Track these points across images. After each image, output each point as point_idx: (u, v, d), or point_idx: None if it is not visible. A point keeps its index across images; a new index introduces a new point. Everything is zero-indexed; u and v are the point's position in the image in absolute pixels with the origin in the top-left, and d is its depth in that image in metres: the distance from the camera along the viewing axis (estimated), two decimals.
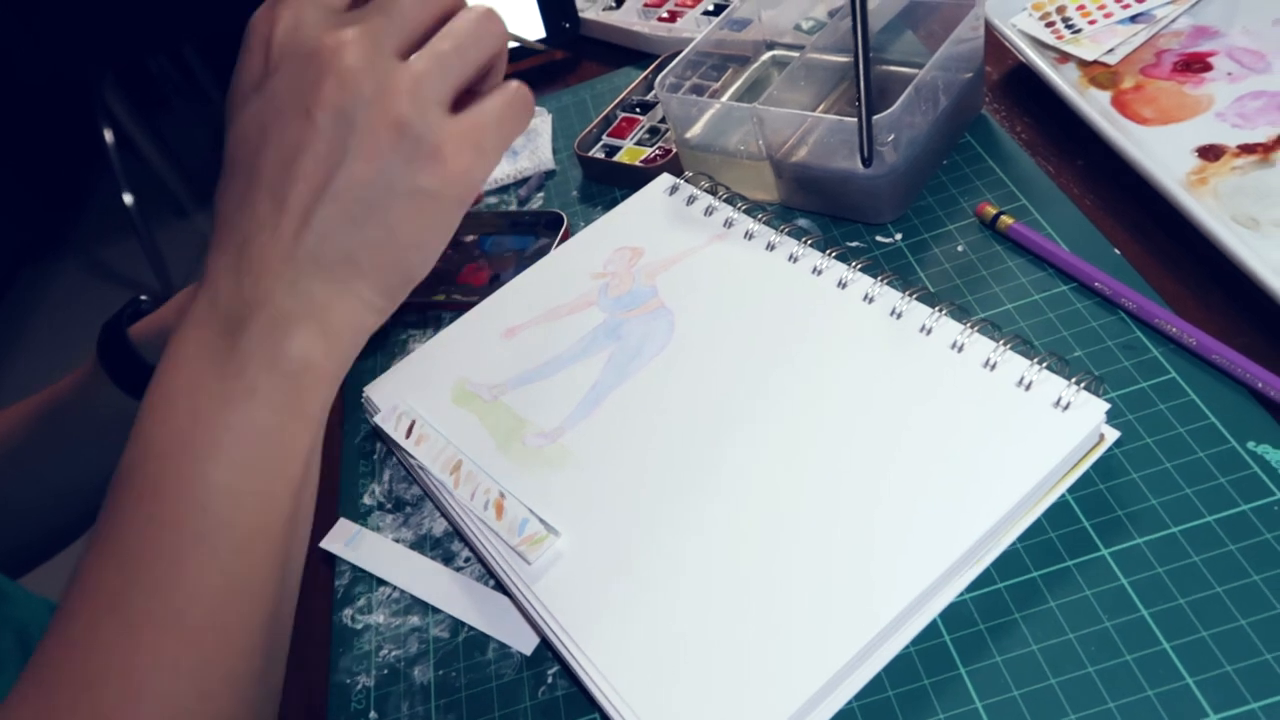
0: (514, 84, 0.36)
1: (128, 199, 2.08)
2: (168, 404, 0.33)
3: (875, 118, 0.44)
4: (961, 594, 0.34)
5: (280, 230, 0.33)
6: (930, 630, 0.33)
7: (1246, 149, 0.44)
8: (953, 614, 0.34)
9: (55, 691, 0.30)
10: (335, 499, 0.46)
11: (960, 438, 0.36)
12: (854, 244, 0.48)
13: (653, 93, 0.61)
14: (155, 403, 0.33)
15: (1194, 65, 0.49)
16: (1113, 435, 0.36)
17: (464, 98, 0.34)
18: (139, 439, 0.33)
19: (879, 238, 0.48)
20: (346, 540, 0.44)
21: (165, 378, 0.33)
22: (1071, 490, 0.35)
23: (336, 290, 0.33)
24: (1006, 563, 0.34)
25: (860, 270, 0.42)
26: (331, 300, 0.33)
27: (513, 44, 0.38)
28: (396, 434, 0.44)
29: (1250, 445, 0.35)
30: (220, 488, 0.32)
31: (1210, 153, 0.44)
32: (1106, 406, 0.34)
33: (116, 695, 0.30)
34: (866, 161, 0.43)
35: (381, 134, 0.32)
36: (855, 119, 0.44)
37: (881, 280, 0.42)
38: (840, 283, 0.43)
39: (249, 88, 0.34)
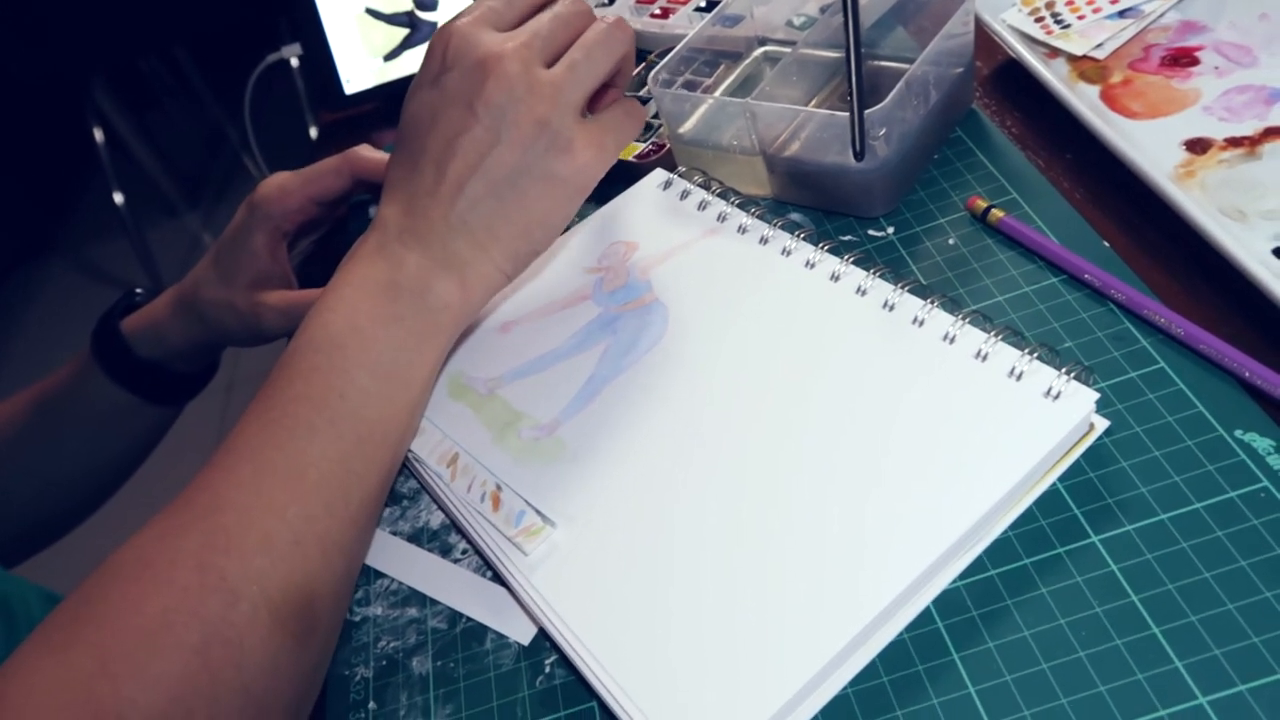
0: (637, 111, 0.45)
1: (118, 199, 2.07)
2: (333, 311, 0.40)
3: (867, 112, 0.44)
4: (954, 581, 0.34)
5: (440, 195, 0.41)
6: (924, 617, 0.34)
7: (1233, 142, 0.44)
8: (946, 601, 0.34)
9: (184, 510, 0.36)
10: None
11: (952, 427, 0.36)
12: (846, 238, 0.49)
13: (646, 89, 0.62)
14: (323, 310, 0.40)
15: (1181, 60, 0.49)
16: (1103, 424, 0.37)
17: (598, 95, 0.44)
18: (305, 333, 0.40)
19: (871, 231, 0.48)
20: None
21: (334, 293, 0.41)
22: (1062, 478, 0.36)
23: (477, 251, 0.41)
24: (998, 550, 0.35)
25: (852, 264, 0.43)
26: (472, 259, 0.41)
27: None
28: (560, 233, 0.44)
29: (1238, 433, 0.35)
30: (359, 385, 0.39)
31: (1197, 146, 0.45)
32: (1096, 396, 0.35)
33: (231, 523, 0.35)
34: (859, 155, 0.44)
35: (527, 127, 0.40)
36: (847, 114, 0.44)
37: (874, 273, 0.42)
38: (833, 276, 0.43)
39: (427, 81, 0.42)
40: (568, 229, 0.52)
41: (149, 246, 2.17)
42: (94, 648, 0.32)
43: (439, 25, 0.43)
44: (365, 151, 0.55)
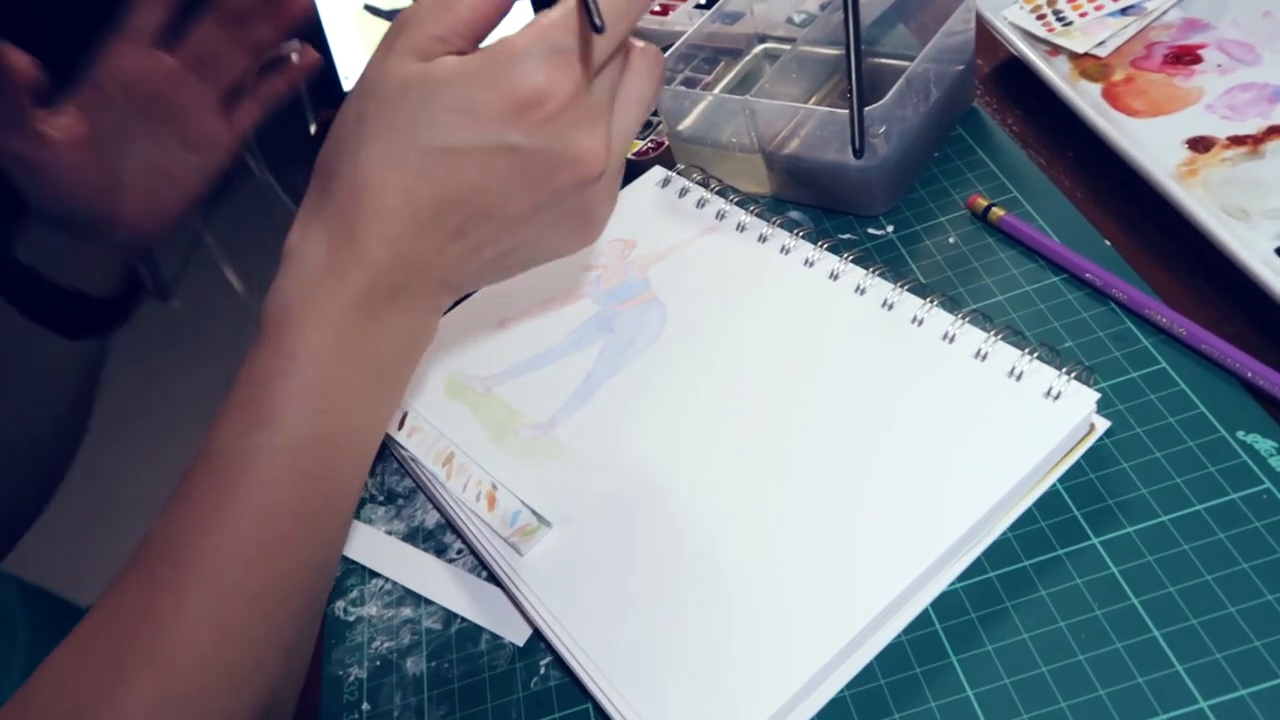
0: (640, 96, 0.35)
1: None
2: (323, 398, 0.33)
3: (867, 110, 0.44)
4: (953, 583, 0.34)
5: (450, 257, 0.34)
6: (922, 619, 0.33)
7: (1236, 140, 0.44)
8: (944, 603, 0.34)
9: (126, 649, 0.31)
10: None
11: (952, 428, 0.36)
12: (846, 236, 0.48)
13: None
14: (308, 396, 0.33)
15: (1184, 57, 0.49)
16: (1103, 425, 0.36)
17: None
18: (287, 423, 0.33)
19: (871, 230, 0.48)
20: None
21: (318, 368, 0.33)
22: (1062, 480, 0.36)
23: (452, 296, 0.36)
24: (997, 552, 0.34)
25: (852, 262, 0.43)
26: (446, 303, 0.36)
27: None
28: (389, 426, 0.44)
29: (1240, 434, 0.35)
30: (343, 479, 0.34)
31: (1200, 144, 0.44)
32: (1097, 396, 0.35)
33: (191, 664, 0.31)
34: (858, 153, 0.43)
35: (574, 215, 0.34)
36: (846, 111, 0.44)
37: (873, 272, 0.42)
38: (832, 274, 0.43)
39: (500, 131, 0.32)
40: None
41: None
42: None
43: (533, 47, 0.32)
44: None
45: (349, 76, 0.72)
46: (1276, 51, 0.47)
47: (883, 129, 0.45)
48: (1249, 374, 0.36)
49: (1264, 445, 0.34)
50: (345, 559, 0.43)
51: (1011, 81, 0.54)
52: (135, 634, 0.31)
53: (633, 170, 0.54)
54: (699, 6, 0.67)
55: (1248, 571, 0.31)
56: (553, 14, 0.32)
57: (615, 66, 0.34)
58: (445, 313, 0.38)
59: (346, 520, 0.35)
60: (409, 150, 0.33)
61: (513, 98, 0.31)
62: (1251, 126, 0.44)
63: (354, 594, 0.42)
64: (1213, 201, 0.42)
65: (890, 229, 0.48)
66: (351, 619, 0.41)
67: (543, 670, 0.36)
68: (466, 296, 0.50)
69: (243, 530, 0.31)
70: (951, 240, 0.46)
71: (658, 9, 0.68)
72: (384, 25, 0.72)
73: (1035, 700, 0.31)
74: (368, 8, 0.72)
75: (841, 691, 0.33)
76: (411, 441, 0.43)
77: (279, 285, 0.35)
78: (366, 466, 0.35)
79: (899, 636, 0.33)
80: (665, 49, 0.55)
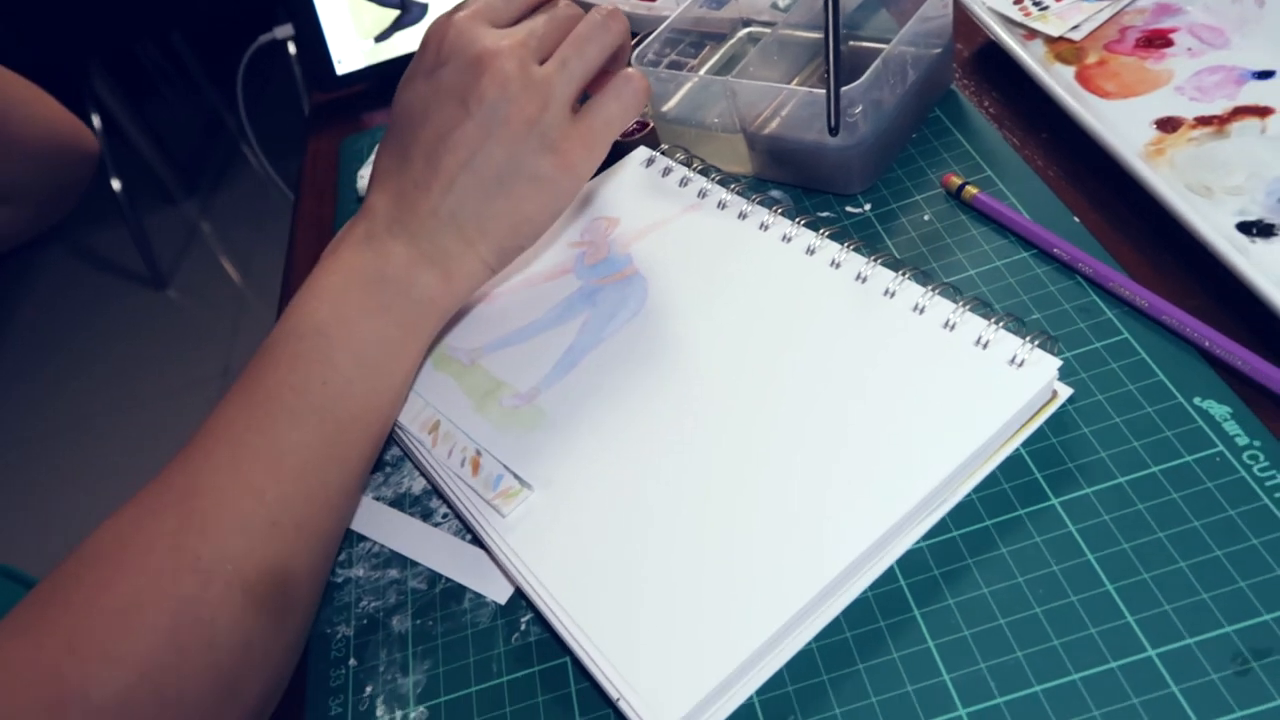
0: (629, 87, 0.44)
1: (116, 185, 2.08)
2: (318, 299, 0.40)
3: (843, 89, 0.45)
4: (918, 542, 0.35)
5: (429, 188, 0.41)
6: (887, 575, 0.35)
7: (1203, 121, 0.45)
8: (909, 560, 0.35)
9: (161, 492, 0.36)
10: None
11: (920, 394, 0.37)
12: (824, 214, 0.49)
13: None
14: (309, 298, 0.41)
15: (1156, 41, 0.50)
16: (1066, 392, 0.38)
17: (596, 79, 0.44)
18: (289, 319, 0.40)
19: (849, 208, 0.49)
20: None
21: (320, 280, 0.41)
22: (1025, 444, 0.37)
23: (463, 246, 0.42)
24: (961, 512, 0.36)
25: (828, 238, 0.44)
26: (458, 252, 0.42)
27: None
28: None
29: (1196, 400, 0.36)
30: (342, 373, 0.39)
31: (1168, 125, 0.45)
32: (1059, 363, 0.36)
33: (208, 505, 0.35)
34: (833, 131, 0.44)
35: (518, 126, 0.41)
36: (824, 91, 0.45)
37: (848, 247, 0.43)
38: (809, 249, 0.44)
39: (421, 72, 0.42)
40: None
41: (147, 233, 2.18)
42: (62, 629, 0.32)
43: (432, 12, 0.44)
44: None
45: (341, 60, 0.73)
46: (1245, 35, 0.48)
47: (859, 109, 0.46)
48: (1207, 343, 0.37)
49: (1218, 410, 0.36)
50: None
51: (990, 65, 0.55)
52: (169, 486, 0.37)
53: (618, 151, 0.55)
54: None
55: (1198, 529, 0.33)
56: None
57: None
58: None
59: (351, 414, 0.39)
60: (388, 130, 0.44)
61: (422, 47, 0.43)
62: (1218, 107, 0.45)
63: (342, 556, 0.43)
64: (1178, 180, 0.43)
65: (868, 207, 0.49)
66: (339, 580, 0.42)
67: (523, 627, 0.38)
68: None
69: (255, 399, 0.38)
70: (926, 218, 0.47)
71: None
72: (376, 10, 0.73)
73: (992, 650, 0.32)
74: None
75: (809, 644, 0.34)
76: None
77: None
78: (370, 369, 0.40)
79: (865, 592, 0.35)
80: (649, 34, 0.56)
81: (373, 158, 0.49)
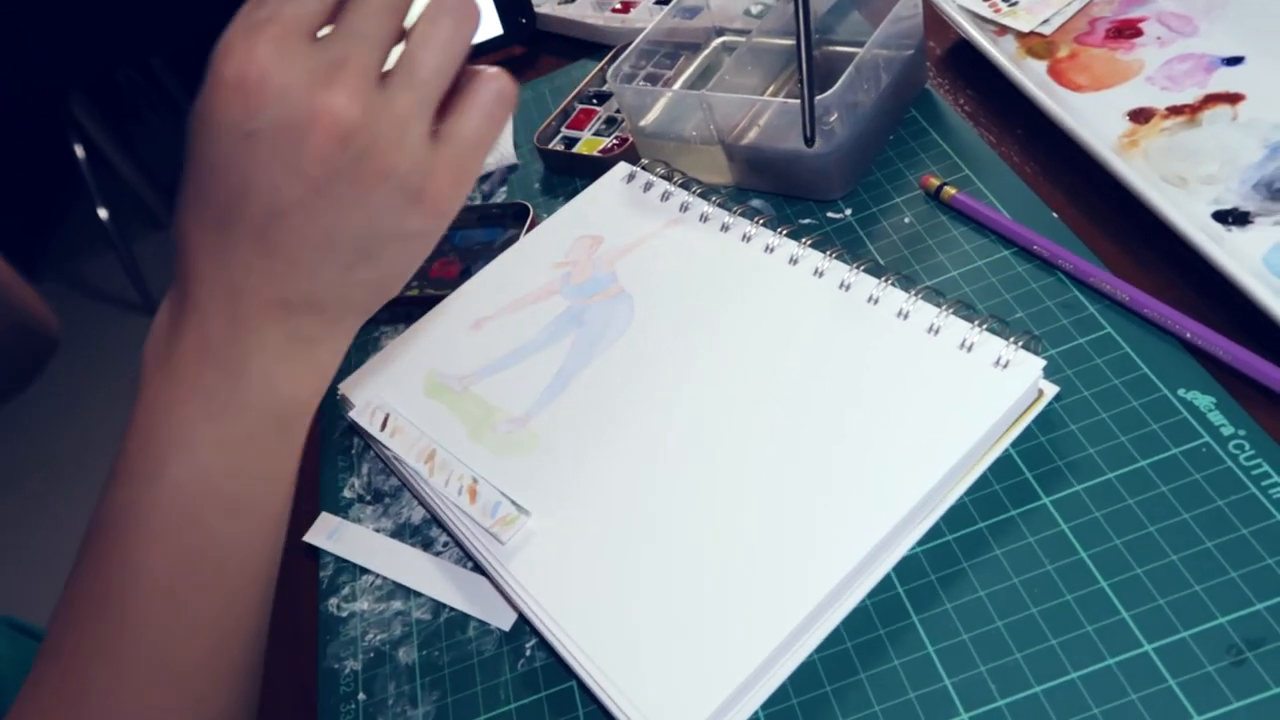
0: (491, 91, 0.34)
1: (102, 214, 2.08)
2: (167, 448, 0.33)
3: (818, 98, 0.45)
4: (913, 547, 0.36)
5: (273, 275, 0.32)
6: (884, 583, 0.35)
7: (1175, 110, 0.45)
8: (905, 567, 0.35)
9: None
10: (316, 494, 0.48)
11: (907, 400, 0.37)
12: (806, 221, 0.50)
13: (608, 84, 0.63)
14: (154, 447, 0.33)
15: (1126, 31, 0.50)
16: (1052, 390, 0.38)
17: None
18: (137, 482, 0.33)
19: (830, 214, 0.49)
20: (329, 533, 0.46)
21: (162, 418, 0.33)
22: (1014, 444, 0.37)
23: (327, 327, 0.34)
24: (955, 516, 0.36)
25: (810, 246, 0.44)
26: (322, 336, 0.34)
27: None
28: (372, 428, 0.46)
29: (1180, 392, 0.37)
30: (217, 536, 0.33)
31: (1140, 115, 0.46)
32: (1043, 363, 0.36)
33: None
34: (809, 141, 0.45)
35: (372, 184, 0.32)
36: (799, 101, 0.46)
37: (830, 255, 0.43)
38: (791, 259, 0.44)
39: (229, 127, 0.31)
40: (539, 225, 0.53)
41: (136, 260, 2.18)
42: None
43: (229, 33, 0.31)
44: None
45: None
46: (1213, 22, 0.49)
47: (834, 116, 0.46)
48: (1188, 334, 0.38)
49: (1203, 401, 0.36)
50: (336, 558, 0.45)
51: (963, 62, 0.55)
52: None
53: (598, 167, 0.55)
54: (659, 2, 0.68)
55: (1188, 521, 0.33)
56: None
57: (365, 14, 0.31)
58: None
59: (239, 571, 0.35)
60: (187, 184, 0.33)
61: (224, 89, 0.30)
62: (1189, 96, 0.46)
63: (346, 590, 0.43)
64: (1152, 171, 0.43)
65: (849, 212, 0.49)
66: (345, 615, 0.42)
67: (528, 652, 0.38)
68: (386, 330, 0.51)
69: (121, 597, 0.33)
70: (907, 220, 0.47)
71: (619, 7, 0.69)
72: None
73: (991, 653, 0.32)
74: None
75: (811, 655, 0.34)
76: (395, 441, 0.45)
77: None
78: (245, 514, 0.34)
79: (864, 600, 0.35)
80: (625, 47, 0.56)
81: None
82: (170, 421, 0.33)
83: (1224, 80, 0.46)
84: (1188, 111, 0.45)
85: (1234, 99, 0.45)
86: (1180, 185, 0.42)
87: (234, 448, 0.33)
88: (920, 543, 0.36)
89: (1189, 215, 0.40)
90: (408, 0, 0.32)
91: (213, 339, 0.33)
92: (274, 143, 0.31)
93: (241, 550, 0.34)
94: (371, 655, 0.40)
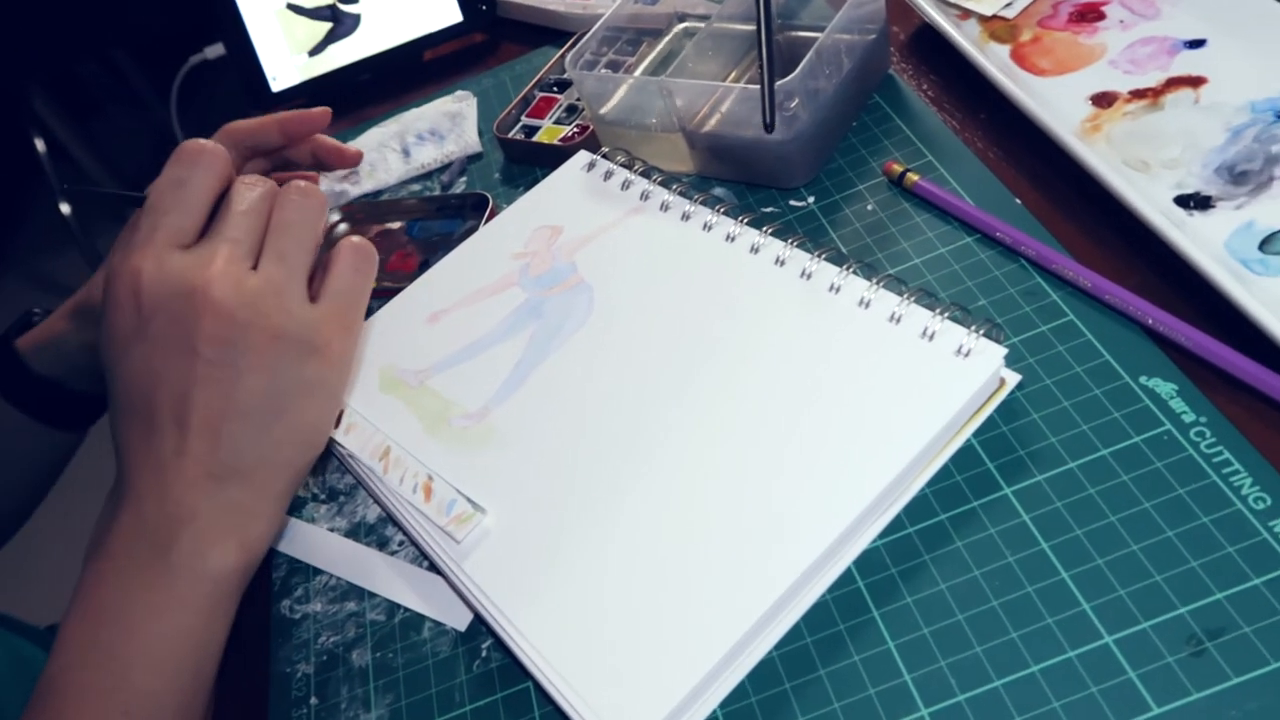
0: (347, 247, 0.42)
1: (65, 209, 2.04)
2: (96, 616, 0.36)
3: (778, 84, 0.44)
4: (874, 541, 0.35)
5: (193, 452, 0.36)
6: (845, 577, 0.35)
7: (1137, 94, 0.45)
8: (866, 560, 0.35)
9: None
10: None
11: (868, 390, 0.37)
12: (768, 209, 0.49)
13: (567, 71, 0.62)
14: (91, 625, 0.36)
15: (1088, 15, 0.50)
16: (1014, 379, 0.37)
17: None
18: (66, 649, 0.35)
19: (792, 202, 0.49)
20: (282, 533, 0.45)
21: (98, 598, 0.36)
22: (976, 433, 0.37)
23: (254, 492, 0.38)
24: (916, 508, 0.35)
25: (771, 234, 0.43)
26: (251, 502, 0.38)
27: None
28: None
29: (1142, 379, 0.36)
30: (146, 693, 0.35)
31: (1103, 100, 0.45)
32: (1004, 352, 0.36)
33: None
34: (768, 128, 0.44)
35: (265, 347, 0.37)
36: (759, 87, 0.45)
37: (792, 243, 0.42)
38: (752, 248, 0.43)
39: (129, 334, 0.37)
40: (497, 216, 0.52)
41: (100, 256, 2.15)
42: None
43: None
44: (237, 123, 0.53)
45: (275, 77, 0.72)
46: (1175, 4, 0.48)
47: (795, 102, 0.46)
48: (1150, 320, 0.37)
49: (1164, 388, 0.36)
50: (290, 558, 0.44)
51: (926, 47, 0.54)
52: None
53: (559, 155, 0.54)
54: None
55: (1149, 510, 0.33)
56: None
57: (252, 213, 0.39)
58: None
59: None
60: (111, 395, 0.38)
61: (116, 307, 0.37)
62: (1152, 79, 0.45)
63: (299, 592, 0.42)
64: (1115, 155, 0.43)
65: (811, 200, 0.48)
66: (297, 616, 0.41)
67: (484, 653, 0.37)
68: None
69: None
70: (870, 208, 0.47)
71: None
72: (309, 23, 0.72)
73: (952, 647, 0.32)
74: (290, 6, 0.71)
75: (770, 652, 0.34)
76: (349, 439, 0.44)
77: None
78: (178, 674, 0.36)
79: (824, 595, 0.34)
80: (585, 34, 0.55)
81: None
82: (104, 592, 0.36)
83: (1186, 63, 0.45)
84: (1150, 95, 0.45)
85: (1196, 82, 0.44)
86: (1143, 170, 0.42)
87: (165, 615, 0.36)
88: (881, 535, 0.35)
89: (1151, 200, 0.40)
90: (266, 207, 0.40)
91: (146, 517, 0.36)
92: (167, 337, 0.37)
93: (171, 708, 0.36)
94: (324, 658, 0.39)
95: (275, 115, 0.54)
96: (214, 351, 0.37)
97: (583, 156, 0.52)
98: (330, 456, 0.47)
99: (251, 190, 0.40)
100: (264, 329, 0.37)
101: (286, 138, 0.55)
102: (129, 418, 0.38)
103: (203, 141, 0.40)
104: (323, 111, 0.55)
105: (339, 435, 0.44)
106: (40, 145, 2.04)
